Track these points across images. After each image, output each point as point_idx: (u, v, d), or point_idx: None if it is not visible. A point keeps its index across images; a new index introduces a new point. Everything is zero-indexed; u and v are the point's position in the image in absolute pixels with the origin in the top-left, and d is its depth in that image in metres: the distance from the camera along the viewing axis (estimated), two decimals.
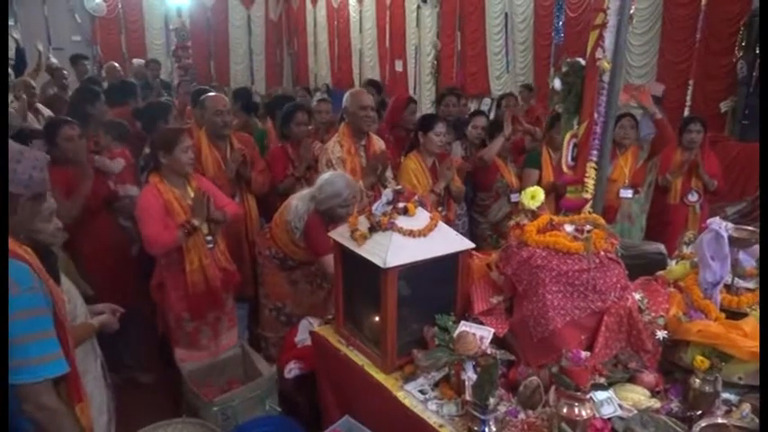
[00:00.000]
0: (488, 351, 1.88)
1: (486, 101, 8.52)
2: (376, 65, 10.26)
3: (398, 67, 9.83)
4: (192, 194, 2.86)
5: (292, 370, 2.64)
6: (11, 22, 8.50)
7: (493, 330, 1.96)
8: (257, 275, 3.29)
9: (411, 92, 9.43)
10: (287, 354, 2.76)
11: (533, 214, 2.36)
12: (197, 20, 10.48)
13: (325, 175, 2.94)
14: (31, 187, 1.53)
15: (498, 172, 3.95)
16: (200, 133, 3.54)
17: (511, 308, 2.12)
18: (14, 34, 7.66)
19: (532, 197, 2.46)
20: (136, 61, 8.10)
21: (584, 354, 1.72)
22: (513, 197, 3.79)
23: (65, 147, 3.02)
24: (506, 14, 7.95)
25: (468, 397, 1.69)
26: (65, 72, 6.45)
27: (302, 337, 2.72)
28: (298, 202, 2.95)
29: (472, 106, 8.26)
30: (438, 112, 4.92)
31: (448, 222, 3.49)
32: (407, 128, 4.16)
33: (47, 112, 4.86)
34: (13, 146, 1.58)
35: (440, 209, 3.56)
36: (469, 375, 1.80)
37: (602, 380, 1.78)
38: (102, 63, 8.57)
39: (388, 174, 3.49)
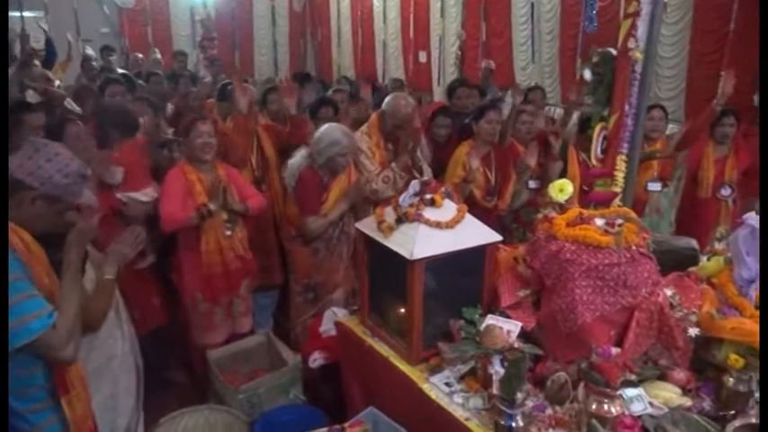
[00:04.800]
0: (516, 345, 1.86)
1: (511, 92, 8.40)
2: (399, 56, 10.18)
3: (422, 58, 9.73)
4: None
5: (317, 360, 2.65)
6: (41, 14, 8.66)
7: (520, 324, 1.94)
8: (287, 264, 3.33)
9: (435, 83, 9.35)
10: (311, 343, 2.77)
11: (561, 207, 2.33)
12: (222, 11, 10.52)
13: (322, 128, 3.03)
14: (46, 186, 1.58)
15: (518, 156, 3.77)
16: (226, 125, 3.57)
17: (538, 301, 2.09)
18: (43, 25, 7.79)
19: (560, 190, 2.43)
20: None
21: (614, 350, 1.69)
22: (532, 183, 3.71)
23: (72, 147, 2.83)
24: (532, 4, 7.80)
25: (495, 391, 1.69)
26: (94, 63, 6.56)
27: (327, 327, 2.73)
28: (293, 160, 3.08)
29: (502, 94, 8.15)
30: (449, 104, 4.81)
31: (494, 211, 3.52)
32: (435, 140, 3.87)
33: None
34: (53, 146, 1.65)
35: (488, 198, 3.53)
36: (497, 369, 1.79)
37: (633, 377, 1.75)
38: (129, 54, 8.67)
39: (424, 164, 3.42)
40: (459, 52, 9.04)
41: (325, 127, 3.03)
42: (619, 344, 1.88)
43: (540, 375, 1.86)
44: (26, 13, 8.57)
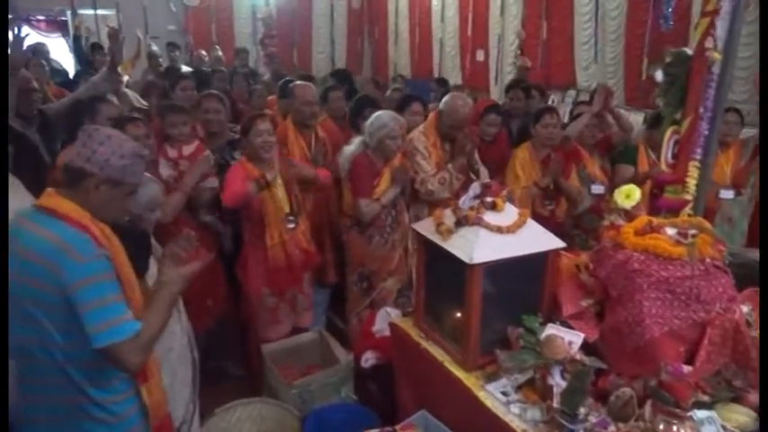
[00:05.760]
0: (577, 357, 1.80)
1: (572, 93, 8.18)
2: (456, 54, 10.08)
3: (480, 56, 9.60)
4: (279, 184, 2.95)
5: (369, 360, 2.65)
6: (112, 11, 9.05)
7: (583, 335, 1.86)
8: (342, 258, 3.37)
9: (492, 82, 9.20)
10: (364, 342, 2.77)
11: (627, 214, 2.24)
12: (282, 9, 10.72)
13: (374, 114, 3.17)
14: (105, 170, 1.57)
15: (581, 161, 3.66)
16: (285, 123, 3.61)
17: (601, 312, 2.01)
18: (111, 23, 8.14)
19: (627, 196, 2.33)
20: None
21: (686, 368, 1.60)
22: (595, 188, 3.57)
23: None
24: (597, 2, 7.56)
25: (555, 404, 1.63)
26: (160, 59, 6.80)
27: (380, 326, 2.73)
28: (348, 147, 3.24)
29: (555, 99, 7.95)
30: (504, 106, 4.67)
31: (552, 218, 3.42)
32: (484, 139, 3.75)
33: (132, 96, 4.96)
34: (103, 129, 1.65)
35: (546, 203, 3.44)
36: (557, 381, 1.72)
37: (706, 398, 1.65)
38: (194, 51, 8.94)
39: (480, 166, 3.37)
40: (519, 51, 8.85)
41: (376, 113, 3.18)
42: (688, 362, 1.79)
43: (603, 390, 1.78)
44: (99, 11, 9.01)
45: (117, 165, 1.59)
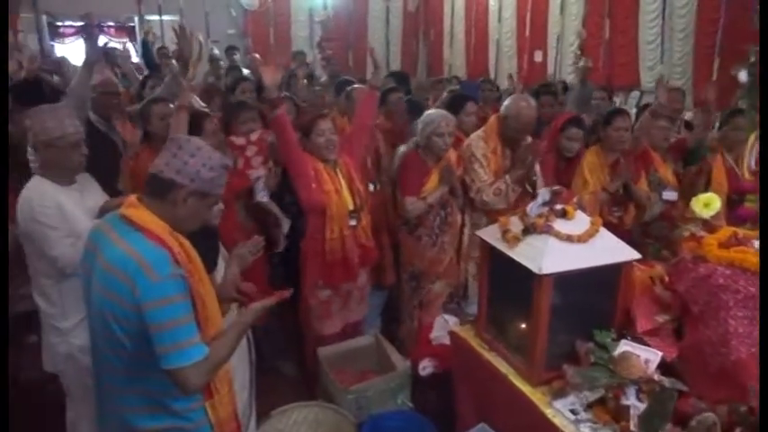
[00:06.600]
0: (655, 377, 1.69)
1: (635, 94, 7.87)
2: (513, 55, 9.89)
3: (538, 57, 9.38)
4: (342, 181, 2.92)
5: (426, 368, 2.60)
6: (176, 17, 9.36)
7: (661, 354, 1.75)
8: (400, 256, 3.34)
9: None
10: (421, 349, 2.72)
11: (706, 224, 2.10)
12: (339, 11, 10.83)
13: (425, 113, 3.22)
14: (195, 182, 1.55)
15: (652, 165, 3.39)
16: (343, 121, 3.62)
17: (679, 329, 1.89)
18: (177, 28, 8.46)
19: (705, 205, 2.19)
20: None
21: None
22: (667, 195, 3.33)
23: (157, 125, 2.99)
24: None
25: (632, 427, 1.53)
26: (221, 63, 6.97)
27: (438, 334, 2.67)
28: (402, 146, 3.30)
29: (618, 101, 7.66)
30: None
31: (620, 225, 3.21)
32: (565, 156, 3.40)
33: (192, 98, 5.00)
34: (193, 140, 1.63)
35: (614, 209, 3.27)
36: (633, 402, 1.62)
37: None
38: (249, 54, 9.11)
39: (539, 178, 3.21)
40: (579, 51, 8.60)
41: (428, 111, 3.24)
42: None
43: (683, 413, 1.66)
44: (165, 17, 9.35)
45: (206, 177, 1.56)
